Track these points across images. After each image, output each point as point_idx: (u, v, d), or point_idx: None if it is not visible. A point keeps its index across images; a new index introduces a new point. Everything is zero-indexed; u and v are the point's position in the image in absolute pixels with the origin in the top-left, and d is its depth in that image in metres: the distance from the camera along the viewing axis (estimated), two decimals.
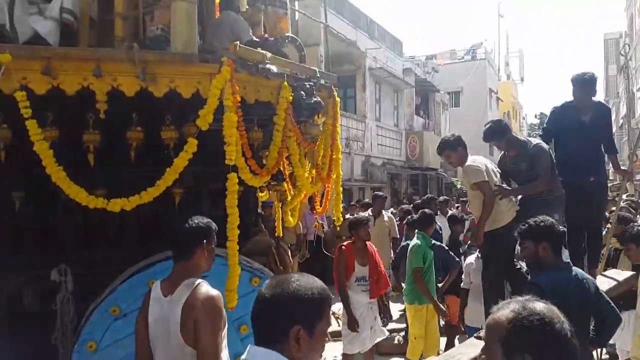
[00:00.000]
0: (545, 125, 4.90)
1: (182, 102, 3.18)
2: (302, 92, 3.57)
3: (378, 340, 5.19)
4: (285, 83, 3.44)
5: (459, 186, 26.80)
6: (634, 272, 4.00)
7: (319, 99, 3.69)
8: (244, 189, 3.41)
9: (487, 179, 4.25)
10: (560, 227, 3.09)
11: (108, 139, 3.17)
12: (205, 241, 2.39)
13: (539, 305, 1.40)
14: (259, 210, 7.16)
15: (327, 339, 1.53)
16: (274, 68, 3.45)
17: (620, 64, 30.84)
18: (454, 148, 4.44)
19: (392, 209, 12.74)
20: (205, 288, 2.32)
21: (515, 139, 4.58)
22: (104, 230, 3.59)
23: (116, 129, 3.18)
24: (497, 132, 4.53)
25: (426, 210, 5.87)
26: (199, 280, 2.34)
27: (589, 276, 3.14)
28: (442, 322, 6.15)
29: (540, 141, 4.55)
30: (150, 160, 3.31)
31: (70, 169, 2.99)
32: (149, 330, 2.39)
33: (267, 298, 1.45)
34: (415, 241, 5.37)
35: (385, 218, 7.70)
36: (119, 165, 3.38)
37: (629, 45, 27.42)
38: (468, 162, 4.38)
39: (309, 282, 1.48)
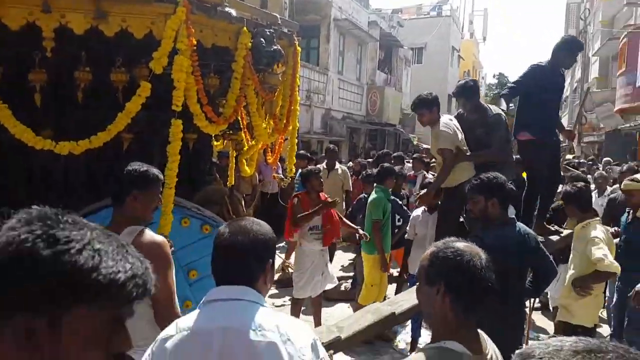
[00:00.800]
0: (520, 79, 4.82)
1: (134, 42, 3.06)
2: (262, 39, 3.49)
3: (328, 286, 5.40)
4: (245, 28, 3.35)
5: (415, 142, 27.22)
6: (571, 230, 4.23)
7: (279, 48, 3.61)
8: (198, 136, 3.36)
9: (451, 147, 4.38)
10: (512, 188, 3.24)
11: (56, 78, 3.03)
12: (136, 190, 2.31)
13: (459, 243, 1.57)
14: (216, 160, 7.10)
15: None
16: (233, 12, 3.34)
17: (580, 28, 31.43)
18: (429, 107, 4.49)
19: (350, 163, 12.88)
20: (149, 235, 2.29)
21: (481, 105, 4.66)
22: (49, 175, 3.48)
23: (65, 69, 3.05)
24: (472, 92, 4.64)
25: (385, 164, 5.97)
26: (141, 227, 2.29)
27: (531, 231, 3.32)
28: (394, 272, 6.41)
29: (500, 111, 4.63)
30: (101, 103, 3.20)
31: (15, 109, 2.86)
32: None
33: (235, 243, 1.62)
34: (374, 194, 5.50)
35: (339, 171, 7.76)
36: (67, 107, 3.25)
37: (588, 10, 27.91)
38: (441, 126, 4.42)
39: (262, 226, 1.68)
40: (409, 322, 5.18)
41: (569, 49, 4.67)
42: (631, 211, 4.33)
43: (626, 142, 17.48)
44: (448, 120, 4.55)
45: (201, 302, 1.63)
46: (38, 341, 0.75)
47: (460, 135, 4.50)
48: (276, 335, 1.51)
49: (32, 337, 0.75)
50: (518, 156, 5.08)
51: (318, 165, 7.74)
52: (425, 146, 27.01)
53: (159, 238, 2.32)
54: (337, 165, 7.99)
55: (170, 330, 1.61)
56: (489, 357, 1.53)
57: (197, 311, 1.63)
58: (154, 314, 2.21)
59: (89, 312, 0.78)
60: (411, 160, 9.52)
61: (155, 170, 2.41)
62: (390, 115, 24.73)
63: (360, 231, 5.43)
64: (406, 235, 5.55)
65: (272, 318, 1.56)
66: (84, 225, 0.82)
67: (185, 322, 1.60)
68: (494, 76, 54.26)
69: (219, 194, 3.72)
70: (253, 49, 3.37)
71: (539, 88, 4.64)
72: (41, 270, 0.74)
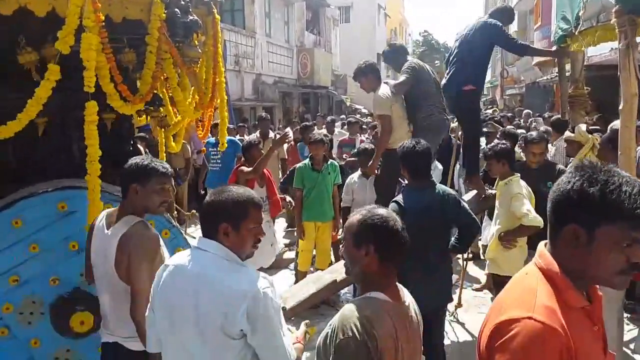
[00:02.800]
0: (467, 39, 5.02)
1: (38, 21, 2.82)
2: (176, 9, 3.31)
3: (276, 254, 5.46)
4: None
5: (348, 104, 27.39)
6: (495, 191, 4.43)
7: (196, 18, 3.45)
8: (117, 116, 3.19)
9: (389, 113, 4.44)
10: (421, 153, 3.33)
11: None
12: (135, 183, 2.40)
13: (381, 210, 1.83)
14: (145, 135, 6.80)
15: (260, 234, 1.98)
16: None
17: None
18: (365, 74, 4.69)
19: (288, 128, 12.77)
20: (142, 227, 2.38)
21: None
22: None
23: None
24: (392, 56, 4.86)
25: (316, 132, 5.99)
26: (139, 219, 2.40)
27: (451, 192, 3.50)
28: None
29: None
30: (10, 86, 2.96)
31: None
32: (91, 259, 2.50)
33: (206, 203, 1.92)
34: (300, 163, 5.52)
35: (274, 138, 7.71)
36: None
37: None
38: (377, 92, 4.55)
39: (239, 191, 1.95)
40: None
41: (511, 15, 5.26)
42: (570, 159, 4.69)
43: (544, 93, 18.39)
44: (385, 87, 4.63)
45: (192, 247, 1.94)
46: (579, 242, 1.24)
47: (400, 101, 4.58)
48: (243, 285, 1.78)
49: (578, 239, 1.24)
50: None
51: (252, 135, 7.65)
52: (357, 106, 27.27)
53: (149, 233, 2.40)
54: (271, 134, 7.91)
55: (170, 260, 1.97)
56: (406, 304, 1.83)
57: (188, 252, 1.93)
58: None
59: (612, 229, 1.19)
60: (346, 124, 9.58)
61: (157, 164, 2.45)
62: (322, 77, 24.65)
63: (288, 198, 5.48)
64: (342, 203, 5.55)
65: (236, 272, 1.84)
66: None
67: (178, 258, 1.93)
68: (419, 34, 54.99)
69: None
70: (167, 20, 3.19)
71: (485, 46, 4.91)
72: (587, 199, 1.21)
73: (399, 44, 5.15)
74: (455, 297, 4.74)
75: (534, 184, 4.10)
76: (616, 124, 4.76)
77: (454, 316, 4.96)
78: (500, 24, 4.93)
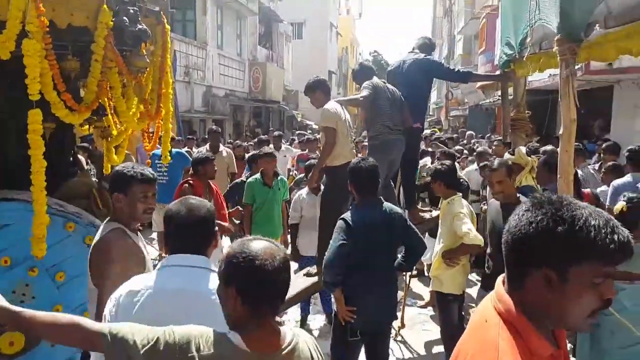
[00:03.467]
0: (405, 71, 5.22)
1: None
2: (124, 18, 3.23)
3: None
4: (105, 6, 3.07)
5: (299, 119, 27.50)
6: (438, 212, 4.54)
7: (145, 27, 3.38)
8: (57, 125, 3.05)
9: (335, 126, 4.48)
10: (368, 171, 3.39)
11: None
12: (116, 192, 2.36)
13: (255, 244, 1.54)
14: (87, 145, 6.53)
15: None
16: None
17: (446, 7, 33.50)
18: (313, 90, 4.71)
19: (238, 141, 12.66)
20: (116, 234, 2.30)
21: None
22: None
23: None
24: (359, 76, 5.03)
25: (265, 148, 5.98)
26: (116, 226, 2.33)
27: (398, 210, 3.55)
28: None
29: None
30: None
31: None
32: None
33: (192, 218, 1.93)
34: (251, 178, 5.48)
35: (224, 153, 7.60)
36: None
37: None
38: (325, 106, 4.58)
39: (206, 203, 2.03)
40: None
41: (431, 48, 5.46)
42: None
43: (487, 116, 19.11)
44: (333, 103, 4.68)
45: (159, 266, 1.89)
46: (551, 286, 1.15)
47: (344, 117, 4.63)
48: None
49: (550, 283, 1.15)
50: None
51: (201, 149, 7.50)
52: (308, 122, 27.39)
53: (122, 240, 2.29)
54: (222, 147, 7.81)
55: (135, 285, 1.83)
56: (285, 352, 1.55)
57: (155, 273, 1.86)
58: None
59: (585, 268, 1.12)
60: (297, 141, 9.64)
61: (138, 170, 2.37)
62: (274, 92, 24.67)
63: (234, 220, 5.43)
64: (290, 219, 5.49)
65: None
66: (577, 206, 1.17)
67: (148, 281, 1.84)
68: (369, 53, 56.20)
69: (86, 187, 3.42)
70: (115, 29, 3.10)
71: (423, 81, 5.13)
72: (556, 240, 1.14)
73: (368, 65, 5.27)
74: (399, 314, 4.82)
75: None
76: (549, 147, 5.03)
77: (399, 335, 5.01)
78: (434, 59, 5.21)
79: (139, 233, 2.47)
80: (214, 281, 1.73)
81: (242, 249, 1.53)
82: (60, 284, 2.91)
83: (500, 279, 1.29)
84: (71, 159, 3.65)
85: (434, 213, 5.07)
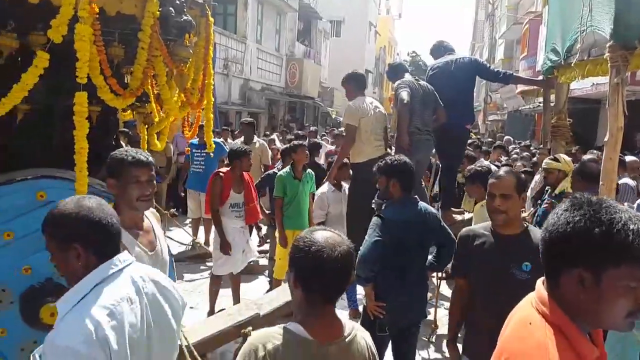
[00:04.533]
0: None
1: (29, 7, 2.79)
2: (171, 8, 3.31)
3: (249, 261, 5.41)
4: None
5: (334, 116, 27.52)
6: (471, 215, 4.49)
7: (190, 18, 3.45)
8: (102, 108, 3.15)
9: (355, 124, 4.47)
10: (413, 168, 3.39)
11: None
12: (109, 177, 2.30)
13: (318, 234, 1.59)
14: (128, 130, 6.72)
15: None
16: None
17: (488, 11, 32.92)
18: (347, 82, 4.78)
19: (276, 134, 12.80)
20: None
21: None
22: None
23: None
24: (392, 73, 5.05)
25: (296, 142, 6.02)
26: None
27: (432, 210, 3.53)
28: None
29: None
30: None
31: None
32: None
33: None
34: (282, 171, 5.54)
35: (257, 145, 7.69)
36: None
37: None
38: (351, 102, 4.60)
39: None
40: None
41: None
42: (549, 189, 4.70)
43: (526, 121, 18.74)
44: (361, 101, 4.67)
45: (114, 271, 1.68)
46: (584, 286, 1.15)
47: (371, 114, 4.61)
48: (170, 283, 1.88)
49: (583, 283, 1.15)
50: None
51: (237, 140, 7.63)
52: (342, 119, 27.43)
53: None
54: (255, 139, 7.91)
55: (110, 302, 1.60)
56: (342, 343, 1.58)
57: (117, 280, 1.66)
58: None
59: (621, 271, 1.12)
60: (329, 137, 9.66)
61: (129, 153, 2.27)
62: (310, 87, 24.74)
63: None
64: (316, 219, 5.41)
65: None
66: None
67: (117, 293, 1.63)
68: (407, 54, 55.75)
69: None
70: (161, 19, 3.18)
71: (472, 81, 5.16)
72: (592, 242, 1.14)
73: (398, 63, 5.30)
74: (431, 315, 4.81)
75: (501, 265, 2.55)
76: (587, 156, 4.91)
77: (433, 334, 5.00)
78: (479, 59, 5.17)
79: (144, 223, 2.37)
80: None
81: (304, 237, 1.58)
82: None
83: (540, 281, 1.29)
84: (114, 142, 3.75)
85: (466, 216, 5.02)
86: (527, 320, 1.24)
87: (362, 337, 1.67)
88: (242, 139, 7.68)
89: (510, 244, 2.55)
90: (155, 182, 2.35)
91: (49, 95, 3.17)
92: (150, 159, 2.33)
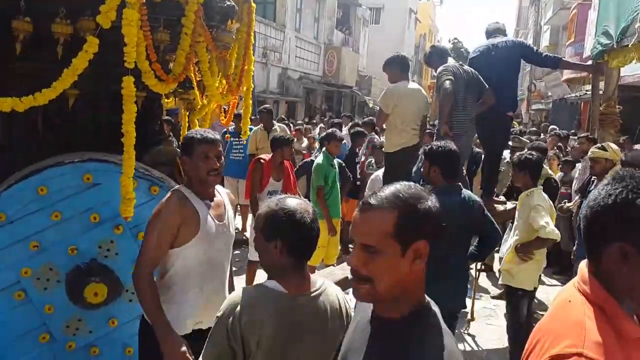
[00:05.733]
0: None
1: None
2: None
3: None
4: None
5: (371, 105, 27.31)
6: (514, 205, 4.38)
7: (233, 4, 3.47)
8: (147, 94, 3.21)
9: (385, 109, 4.45)
10: (458, 155, 3.32)
11: None
12: (183, 154, 2.50)
13: (290, 201, 1.78)
14: (171, 118, 6.83)
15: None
16: None
17: None
18: (388, 66, 4.72)
19: (321, 124, 12.90)
20: (169, 195, 2.46)
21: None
22: None
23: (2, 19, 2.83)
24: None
25: (333, 129, 6.04)
26: (176, 188, 2.51)
27: (477, 198, 3.45)
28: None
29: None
30: (42, 55, 3.00)
31: None
32: None
33: None
34: (317, 160, 5.55)
35: (278, 130, 7.67)
36: (4, 60, 3.03)
37: None
38: (390, 86, 4.55)
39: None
40: None
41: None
42: (595, 179, 4.54)
43: (572, 110, 18.12)
44: (404, 85, 4.60)
45: None
46: (628, 260, 1.10)
47: (408, 103, 4.54)
48: None
49: (626, 258, 1.10)
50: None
51: (255, 128, 7.63)
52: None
53: (169, 200, 2.42)
54: (275, 125, 7.89)
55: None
56: (313, 295, 1.75)
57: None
58: None
59: None
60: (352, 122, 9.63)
61: (196, 133, 2.50)
62: (347, 76, 24.62)
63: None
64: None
65: None
66: None
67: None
68: (449, 41, 54.52)
69: (170, 155, 3.59)
70: (205, 4, 3.20)
71: (516, 65, 5.01)
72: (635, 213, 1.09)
73: (441, 46, 5.17)
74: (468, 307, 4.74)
75: None
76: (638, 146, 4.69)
77: (469, 326, 4.94)
78: (525, 42, 4.97)
79: (215, 198, 2.57)
80: None
81: (281, 207, 1.74)
82: (141, 243, 3.08)
83: (583, 263, 1.25)
84: (158, 128, 3.82)
85: (509, 206, 4.89)
86: (567, 299, 1.21)
87: (334, 292, 1.83)
88: (260, 126, 7.65)
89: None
90: (222, 158, 2.52)
91: (97, 80, 3.26)
92: (217, 136, 2.53)
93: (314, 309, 1.74)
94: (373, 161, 6.20)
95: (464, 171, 5.08)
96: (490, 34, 5.09)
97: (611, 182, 1.16)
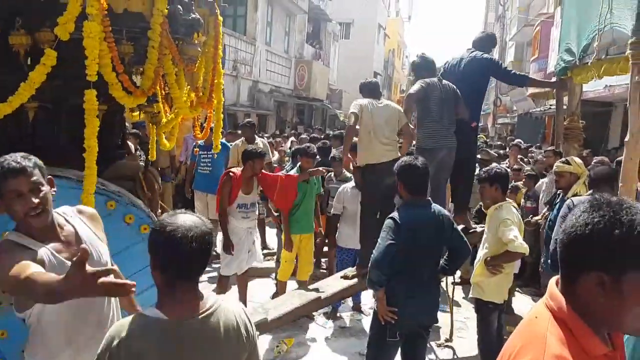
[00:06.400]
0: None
1: (37, 4, 2.77)
2: (179, 6, 3.27)
3: (254, 263, 5.35)
4: None
5: (342, 119, 27.46)
6: (483, 229, 4.41)
7: (198, 17, 3.41)
8: (109, 107, 3.12)
9: (356, 110, 4.63)
10: (420, 170, 3.32)
11: None
12: None
13: (180, 217, 1.62)
14: (138, 132, 6.69)
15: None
16: None
17: (499, 13, 32.76)
18: (360, 89, 5.00)
19: (292, 138, 12.83)
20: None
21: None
22: None
23: None
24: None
25: (307, 144, 6.03)
26: (5, 234, 2.02)
27: (446, 212, 3.46)
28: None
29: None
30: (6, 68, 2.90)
31: None
32: None
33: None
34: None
35: (260, 145, 7.62)
36: None
37: None
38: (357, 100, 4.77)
39: None
40: None
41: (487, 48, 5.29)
42: (561, 192, 4.61)
43: (536, 124, 18.56)
44: (366, 101, 4.77)
45: None
46: (604, 290, 1.10)
47: (373, 114, 4.60)
48: None
49: (602, 287, 1.10)
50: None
51: (237, 141, 7.57)
52: None
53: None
54: (257, 139, 7.84)
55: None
56: (200, 318, 1.62)
57: None
58: None
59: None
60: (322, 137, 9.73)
61: (5, 162, 1.90)
62: (318, 90, 24.70)
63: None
64: (332, 210, 5.64)
65: None
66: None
67: None
68: (417, 56, 55.35)
69: (132, 170, 3.49)
70: (169, 17, 3.14)
71: (482, 80, 5.07)
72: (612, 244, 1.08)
73: (430, 59, 5.21)
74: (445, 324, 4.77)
75: None
76: (599, 158, 4.81)
77: (448, 341, 4.94)
78: (494, 58, 5.06)
79: (64, 234, 2.05)
80: None
81: (161, 222, 1.61)
82: None
83: (553, 280, 1.26)
84: (120, 142, 3.72)
85: (478, 229, 4.93)
86: (534, 315, 1.23)
87: (230, 308, 1.71)
88: (242, 139, 7.59)
89: None
90: (43, 187, 1.94)
91: (57, 94, 3.15)
92: (25, 163, 1.90)
93: (202, 332, 1.62)
94: (332, 174, 6.19)
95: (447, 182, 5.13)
96: (473, 43, 5.20)
97: (588, 209, 1.15)
